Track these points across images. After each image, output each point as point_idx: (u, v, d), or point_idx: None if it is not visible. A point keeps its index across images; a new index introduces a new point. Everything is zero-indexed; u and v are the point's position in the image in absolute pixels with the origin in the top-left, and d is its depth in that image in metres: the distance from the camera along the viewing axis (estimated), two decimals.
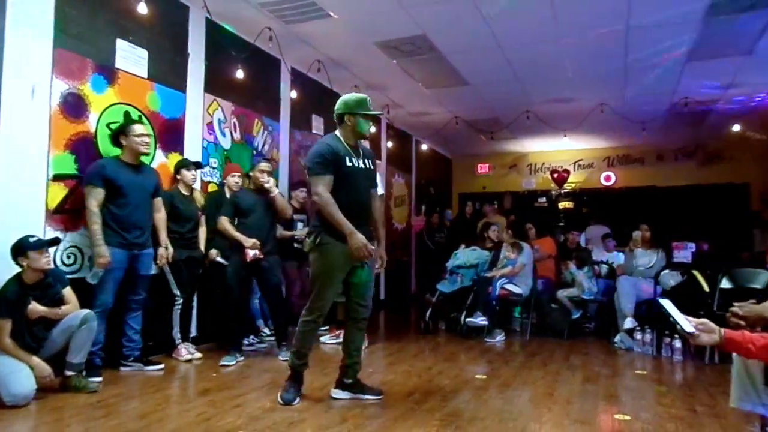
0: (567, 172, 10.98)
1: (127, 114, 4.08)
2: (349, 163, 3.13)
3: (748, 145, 9.30)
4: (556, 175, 11.00)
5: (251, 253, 4.20)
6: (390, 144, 8.64)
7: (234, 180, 4.78)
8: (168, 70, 4.51)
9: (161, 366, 3.90)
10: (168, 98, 4.49)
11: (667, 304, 2.08)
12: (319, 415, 2.93)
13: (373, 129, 7.94)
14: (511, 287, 5.65)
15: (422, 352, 4.87)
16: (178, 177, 4.36)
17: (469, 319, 5.46)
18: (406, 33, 5.30)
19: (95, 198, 3.55)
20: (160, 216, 4.01)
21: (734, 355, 2.47)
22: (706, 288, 4.81)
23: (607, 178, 10.82)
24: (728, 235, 8.48)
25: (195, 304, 4.61)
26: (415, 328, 6.18)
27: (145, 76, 4.28)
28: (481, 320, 5.41)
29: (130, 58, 4.15)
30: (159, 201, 3.99)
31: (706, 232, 7.86)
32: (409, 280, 9.58)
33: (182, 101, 4.66)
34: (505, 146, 10.64)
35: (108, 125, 3.94)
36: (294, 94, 6.04)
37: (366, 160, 3.25)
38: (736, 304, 2.28)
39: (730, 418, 2.93)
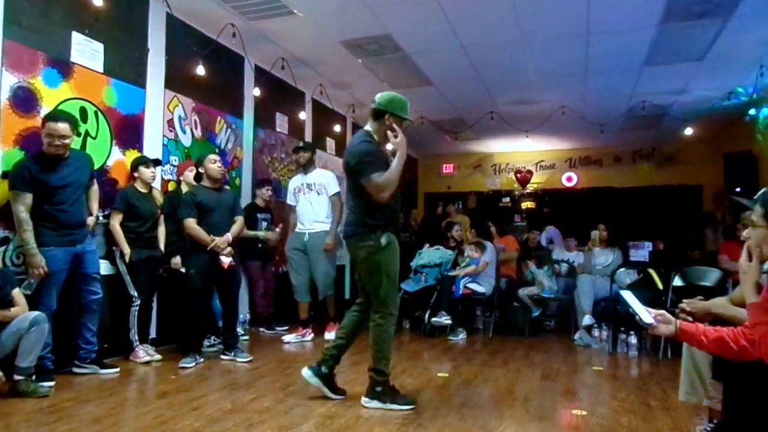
0: (530, 172, 11.17)
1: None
2: (387, 165, 3.11)
3: (700, 148, 9.66)
4: (519, 176, 11.17)
5: (227, 261, 4.14)
6: None
7: (192, 174, 4.67)
8: (126, 65, 4.39)
9: (116, 369, 3.78)
10: (126, 94, 4.37)
11: (627, 295, 2.14)
12: (279, 415, 2.90)
13: (337, 128, 7.94)
14: (474, 286, 5.72)
15: None
16: (136, 174, 4.23)
17: (434, 319, 5.50)
18: (371, 32, 5.30)
19: (23, 203, 3.30)
20: (93, 189, 3.84)
21: (683, 350, 2.57)
22: (660, 286, 4.97)
23: (569, 179, 11.04)
24: (682, 234, 8.77)
25: (155, 305, 4.51)
26: None
27: (101, 70, 4.15)
28: (445, 319, 5.46)
29: (86, 51, 4.02)
30: (92, 180, 3.83)
31: (661, 232, 8.12)
32: None
33: (141, 97, 4.54)
34: (470, 147, 10.76)
35: None
36: (258, 92, 5.96)
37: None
38: (685, 300, 2.37)
39: (681, 411, 3.04)
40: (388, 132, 3.15)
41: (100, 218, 3.98)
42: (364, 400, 3.12)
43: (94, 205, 3.88)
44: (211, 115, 5.39)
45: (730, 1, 4.54)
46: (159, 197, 4.43)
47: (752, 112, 7.46)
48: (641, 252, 6.30)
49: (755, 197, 1.78)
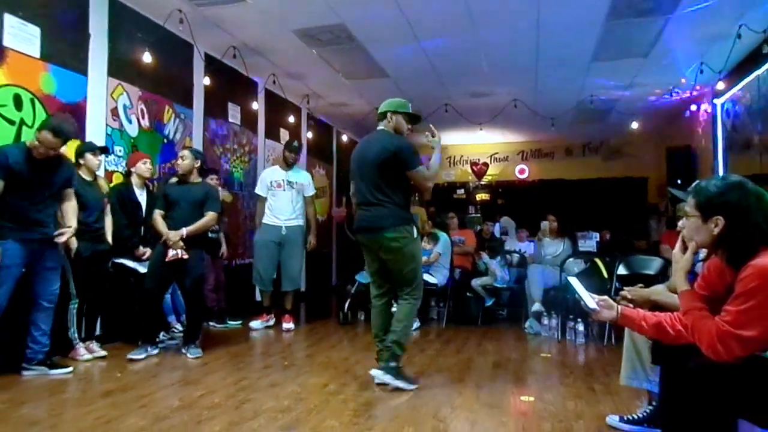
0: (486, 165, 11.34)
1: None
2: None
3: (645, 142, 10.03)
4: (476, 168, 11.33)
5: (171, 253, 4.03)
6: (310, 134, 8.54)
7: (146, 166, 4.54)
8: (65, 51, 4.18)
9: (69, 369, 3.60)
10: (65, 81, 4.17)
11: (574, 281, 2.21)
12: (229, 411, 2.85)
13: (291, 119, 7.82)
14: (426, 277, 5.74)
15: (340, 342, 4.87)
16: (81, 161, 4.03)
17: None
18: (324, 21, 5.22)
19: None
20: (71, 204, 3.69)
21: (625, 336, 2.67)
22: (606, 274, 5.14)
23: (521, 171, 11.28)
24: (628, 225, 9.11)
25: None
26: (334, 319, 6.17)
27: (38, 55, 3.94)
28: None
29: (20, 35, 3.80)
30: (70, 191, 3.68)
31: (609, 223, 8.42)
32: (330, 272, 9.55)
33: (83, 85, 4.34)
34: (425, 138, 10.79)
35: None
36: (207, 81, 5.80)
37: None
38: (625, 288, 2.45)
39: (623, 394, 3.15)
40: (426, 133, 3.59)
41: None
42: (377, 373, 3.26)
43: (73, 220, 3.67)
44: (158, 104, 5.21)
45: None
46: (104, 185, 4.28)
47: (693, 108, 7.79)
48: (589, 242, 6.51)
49: (689, 189, 1.86)
